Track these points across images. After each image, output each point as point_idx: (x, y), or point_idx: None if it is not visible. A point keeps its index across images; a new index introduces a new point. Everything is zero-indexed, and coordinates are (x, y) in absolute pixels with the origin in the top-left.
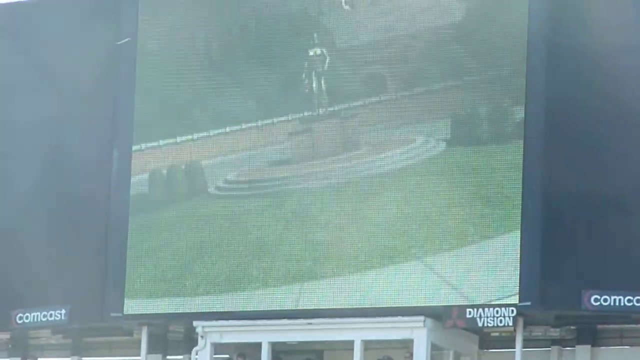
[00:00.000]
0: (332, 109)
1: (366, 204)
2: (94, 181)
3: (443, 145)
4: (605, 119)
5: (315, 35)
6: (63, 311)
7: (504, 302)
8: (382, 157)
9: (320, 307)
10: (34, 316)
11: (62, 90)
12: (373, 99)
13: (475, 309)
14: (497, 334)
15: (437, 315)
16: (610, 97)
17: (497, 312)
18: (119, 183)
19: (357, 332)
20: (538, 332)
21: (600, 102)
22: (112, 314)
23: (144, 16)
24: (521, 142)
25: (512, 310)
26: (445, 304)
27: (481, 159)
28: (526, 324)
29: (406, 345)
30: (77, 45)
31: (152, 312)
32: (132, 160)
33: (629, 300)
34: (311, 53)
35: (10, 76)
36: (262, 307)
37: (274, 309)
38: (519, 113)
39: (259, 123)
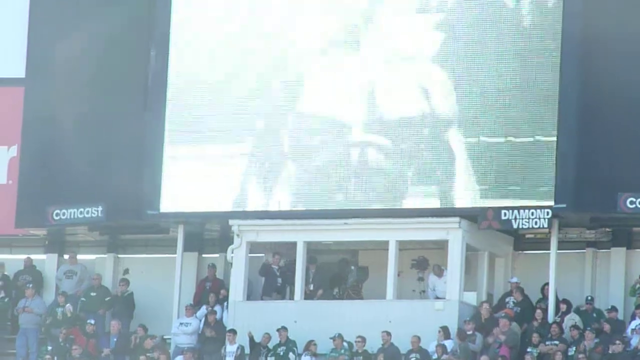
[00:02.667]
0: None
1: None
2: (131, 80)
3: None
4: None
5: None
6: (100, 208)
7: (539, 204)
8: None
9: (356, 207)
10: (70, 212)
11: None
12: None
13: (511, 211)
14: (532, 235)
15: (473, 216)
16: None
17: (533, 213)
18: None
19: (392, 232)
20: (573, 234)
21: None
22: (149, 212)
23: None
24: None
25: (548, 212)
26: (480, 206)
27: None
28: (561, 226)
29: (441, 246)
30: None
31: (189, 211)
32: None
33: None
34: None
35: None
36: (298, 206)
37: (309, 208)
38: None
39: None
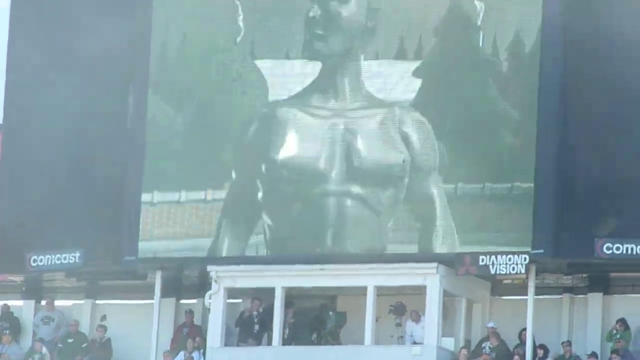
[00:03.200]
0: None
1: None
2: (110, 126)
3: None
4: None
5: None
6: (77, 254)
7: (516, 250)
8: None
9: (334, 253)
10: (48, 259)
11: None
12: None
13: (488, 256)
14: (509, 281)
15: (450, 261)
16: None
17: (510, 259)
18: (135, 127)
19: (370, 277)
20: (550, 279)
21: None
22: (126, 258)
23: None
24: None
25: (525, 258)
26: (458, 251)
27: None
28: (538, 272)
29: (419, 291)
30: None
31: (166, 256)
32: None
33: None
34: None
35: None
36: (276, 252)
37: (287, 253)
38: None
39: None
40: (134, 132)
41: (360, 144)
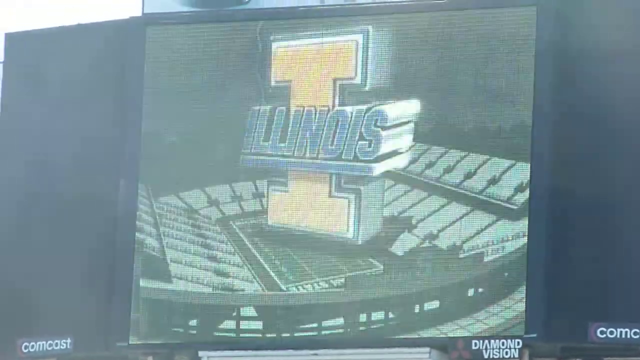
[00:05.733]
0: None
1: None
2: (102, 210)
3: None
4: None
5: None
6: (68, 340)
7: (509, 334)
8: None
9: (326, 337)
10: (39, 345)
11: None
12: None
13: (481, 341)
14: None
15: (443, 346)
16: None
17: (503, 343)
18: (126, 213)
19: None
20: None
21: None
22: (118, 344)
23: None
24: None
25: (518, 342)
26: (451, 336)
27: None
28: (532, 356)
29: None
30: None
31: (157, 342)
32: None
33: (635, 333)
34: None
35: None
36: (268, 335)
37: (279, 337)
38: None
39: None
40: (125, 218)
41: None
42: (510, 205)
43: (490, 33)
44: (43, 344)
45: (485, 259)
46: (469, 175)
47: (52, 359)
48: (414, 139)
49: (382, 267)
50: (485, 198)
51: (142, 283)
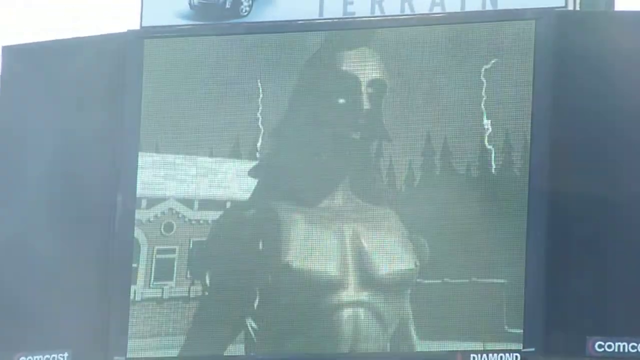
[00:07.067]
0: None
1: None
2: (100, 224)
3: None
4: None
5: None
6: (66, 354)
7: (508, 348)
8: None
9: (319, 350)
10: (36, 359)
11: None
12: None
13: (480, 354)
14: None
15: None
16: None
17: (501, 357)
18: (123, 227)
19: None
20: None
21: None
22: (115, 357)
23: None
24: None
25: (516, 357)
26: (449, 349)
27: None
28: None
29: None
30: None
31: (156, 356)
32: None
33: (632, 347)
34: None
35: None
36: (267, 350)
37: (282, 353)
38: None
39: None
40: (122, 232)
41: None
42: None
43: (487, 47)
44: (40, 358)
45: None
46: None
47: None
48: None
49: None
50: None
51: (140, 297)
